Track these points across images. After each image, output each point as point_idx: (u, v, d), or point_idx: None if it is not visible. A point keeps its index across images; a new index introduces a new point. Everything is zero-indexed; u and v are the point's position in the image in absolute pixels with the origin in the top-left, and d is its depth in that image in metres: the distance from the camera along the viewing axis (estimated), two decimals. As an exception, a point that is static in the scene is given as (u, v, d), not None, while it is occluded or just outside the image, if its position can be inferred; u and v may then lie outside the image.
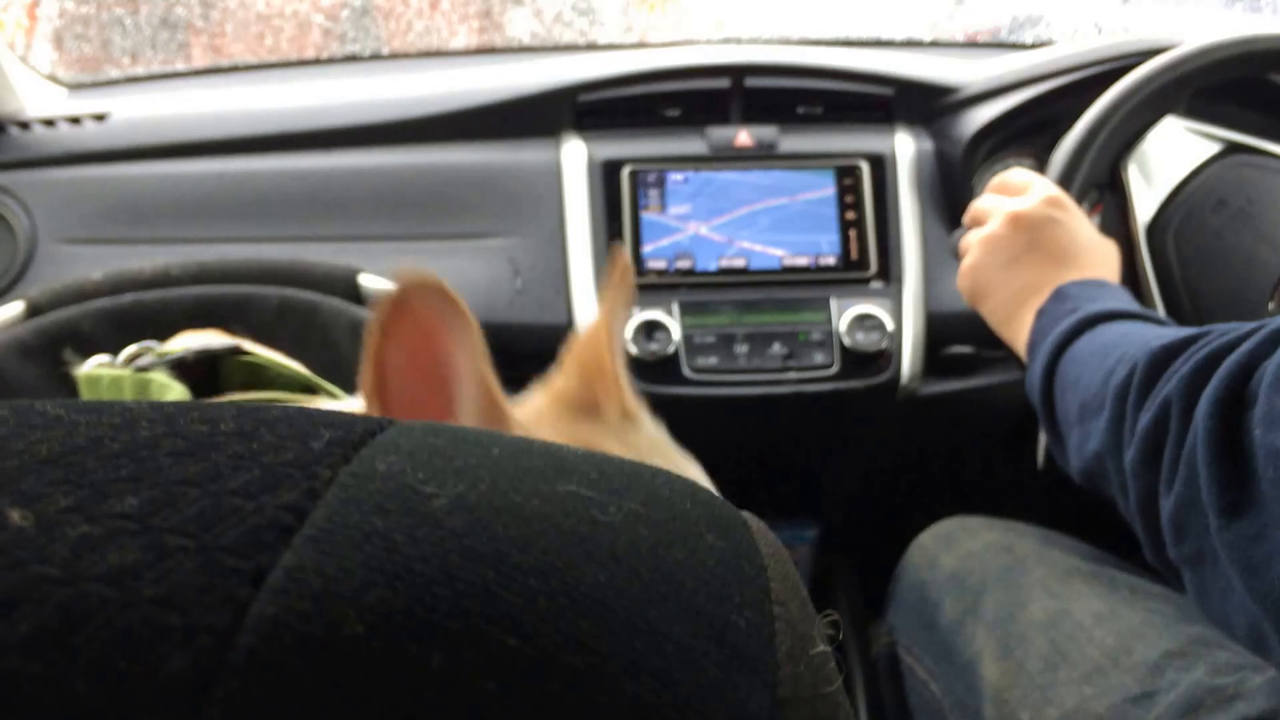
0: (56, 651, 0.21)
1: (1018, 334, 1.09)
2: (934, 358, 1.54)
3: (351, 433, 0.31)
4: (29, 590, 0.22)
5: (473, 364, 0.60)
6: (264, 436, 0.29)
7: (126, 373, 0.82)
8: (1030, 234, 1.10)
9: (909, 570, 1.35)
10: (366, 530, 0.25)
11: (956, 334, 1.53)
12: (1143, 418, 0.79)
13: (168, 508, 0.25)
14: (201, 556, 0.23)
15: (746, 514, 0.36)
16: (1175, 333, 0.83)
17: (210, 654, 0.21)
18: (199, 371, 0.87)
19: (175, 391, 0.79)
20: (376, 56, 2.33)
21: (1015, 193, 1.17)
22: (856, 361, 1.50)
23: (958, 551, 1.28)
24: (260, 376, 0.85)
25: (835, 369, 1.50)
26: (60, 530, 0.24)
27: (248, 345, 0.89)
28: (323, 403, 0.75)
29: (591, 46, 2.34)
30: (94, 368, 0.82)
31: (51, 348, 1.23)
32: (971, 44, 2.29)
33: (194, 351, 0.86)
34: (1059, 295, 1.03)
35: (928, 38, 2.36)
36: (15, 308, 1.27)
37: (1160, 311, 1.29)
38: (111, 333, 1.22)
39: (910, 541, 1.38)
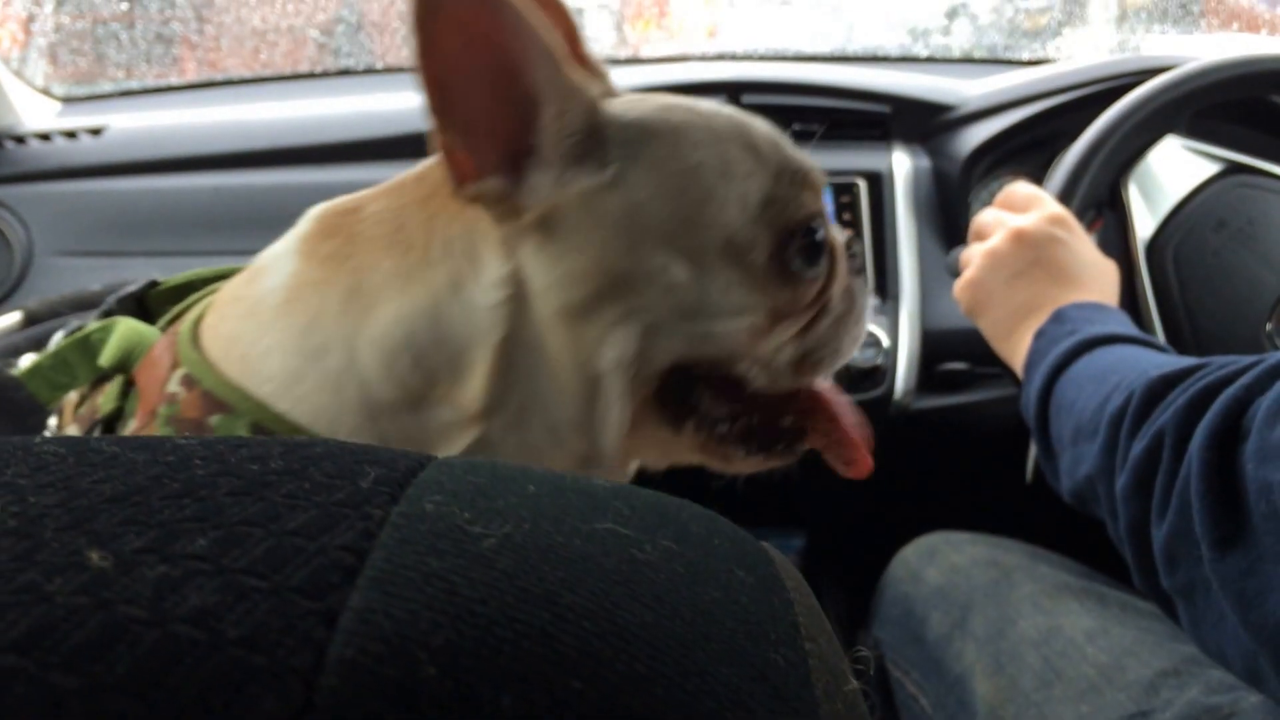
0: (156, 692, 0.22)
1: (1015, 351, 1.09)
2: (928, 374, 1.55)
3: (395, 470, 0.32)
4: (121, 631, 0.23)
5: (541, 44, 0.60)
6: (313, 475, 0.31)
7: (63, 341, 0.82)
8: (1033, 251, 1.10)
9: (892, 583, 1.35)
10: (425, 572, 0.26)
11: (951, 351, 1.54)
12: (1135, 446, 0.79)
13: (236, 548, 0.26)
14: (276, 598, 0.24)
15: (766, 545, 0.37)
16: (1173, 362, 0.84)
17: (298, 694, 0.22)
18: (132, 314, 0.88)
19: (123, 324, 0.79)
20: (371, 70, 2.32)
21: (1019, 208, 1.17)
22: (851, 377, 1.50)
23: (942, 565, 1.28)
24: (187, 292, 0.86)
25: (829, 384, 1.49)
26: (139, 571, 0.25)
27: (160, 276, 0.89)
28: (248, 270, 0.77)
29: (587, 61, 2.33)
30: (30, 362, 0.83)
31: None
32: (968, 60, 2.29)
33: (115, 300, 0.86)
34: (1058, 317, 1.03)
35: (924, 53, 2.37)
36: (12, 317, 1.27)
37: (1158, 328, 1.30)
38: None
39: (896, 553, 1.38)
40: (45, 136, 1.79)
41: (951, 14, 2.62)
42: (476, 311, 0.64)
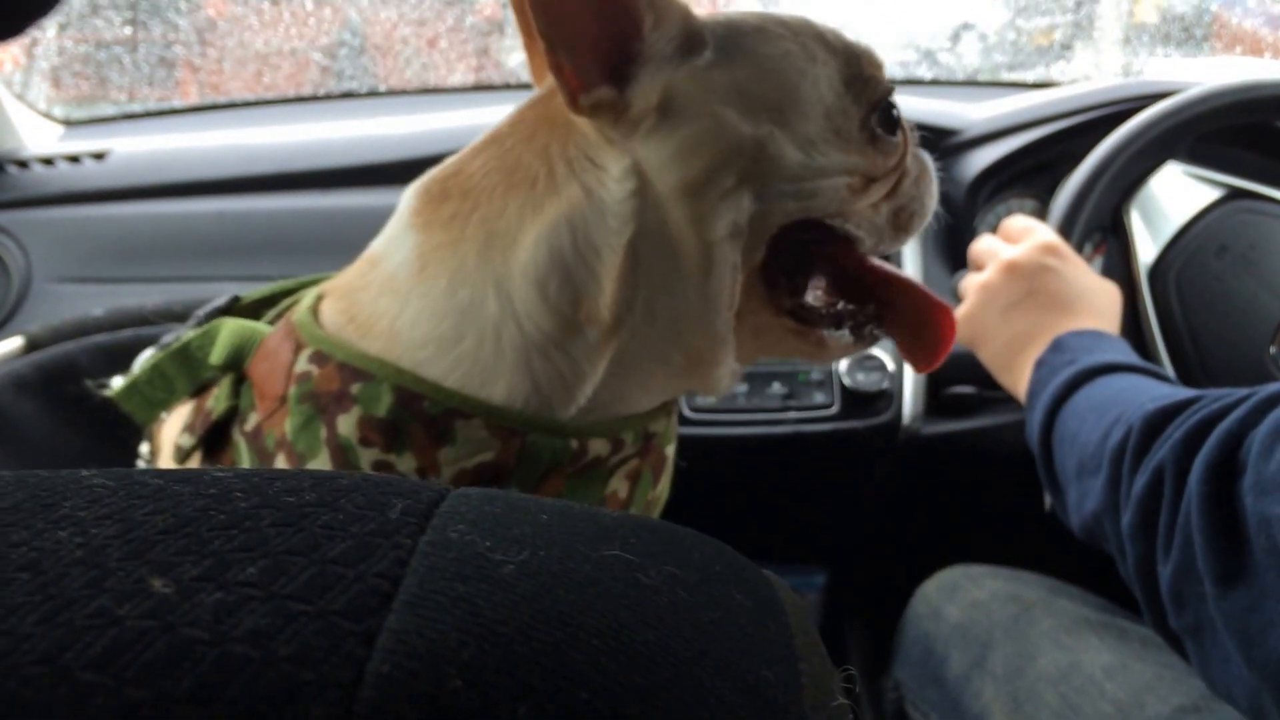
0: (217, 703, 0.25)
1: (1017, 382, 1.09)
2: (935, 398, 1.55)
3: (419, 501, 0.35)
4: (185, 651, 0.26)
5: None
6: (345, 507, 0.34)
7: (159, 355, 0.85)
8: (1026, 282, 1.10)
9: (913, 621, 1.34)
10: (452, 596, 0.29)
11: (958, 374, 1.54)
12: (1137, 482, 0.80)
13: (283, 576, 0.29)
14: (321, 621, 0.27)
15: (767, 572, 0.40)
16: (1170, 394, 0.84)
17: (341, 706, 0.25)
18: None
19: (229, 323, 0.81)
20: (374, 93, 2.33)
21: (1013, 239, 1.17)
22: (857, 401, 1.50)
23: (962, 601, 1.28)
24: (273, 302, 0.89)
25: (836, 409, 1.49)
26: (199, 597, 0.28)
27: (242, 292, 0.92)
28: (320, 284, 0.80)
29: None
30: (122, 382, 0.84)
31: (48, 382, 1.24)
32: (972, 83, 2.30)
33: (203, 313, 0.89)
34: (1057, 346, 1.04)
35: (928, 75, 2.38)
36: (14, 343, 1.27)
37: (1163, 354, 1.30)
38: (108, 368, 1.22)
39: (918, 586, 1.37)
40: (48, 161, 1.79)
41: (955, 36, 2.62)
42: (610, 209, 0.68)
